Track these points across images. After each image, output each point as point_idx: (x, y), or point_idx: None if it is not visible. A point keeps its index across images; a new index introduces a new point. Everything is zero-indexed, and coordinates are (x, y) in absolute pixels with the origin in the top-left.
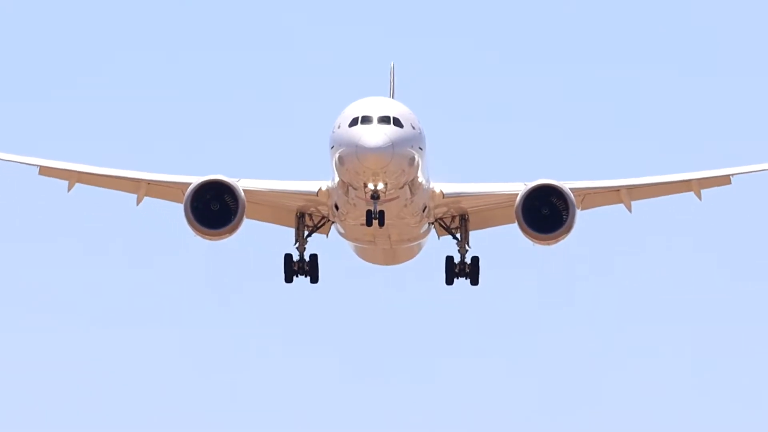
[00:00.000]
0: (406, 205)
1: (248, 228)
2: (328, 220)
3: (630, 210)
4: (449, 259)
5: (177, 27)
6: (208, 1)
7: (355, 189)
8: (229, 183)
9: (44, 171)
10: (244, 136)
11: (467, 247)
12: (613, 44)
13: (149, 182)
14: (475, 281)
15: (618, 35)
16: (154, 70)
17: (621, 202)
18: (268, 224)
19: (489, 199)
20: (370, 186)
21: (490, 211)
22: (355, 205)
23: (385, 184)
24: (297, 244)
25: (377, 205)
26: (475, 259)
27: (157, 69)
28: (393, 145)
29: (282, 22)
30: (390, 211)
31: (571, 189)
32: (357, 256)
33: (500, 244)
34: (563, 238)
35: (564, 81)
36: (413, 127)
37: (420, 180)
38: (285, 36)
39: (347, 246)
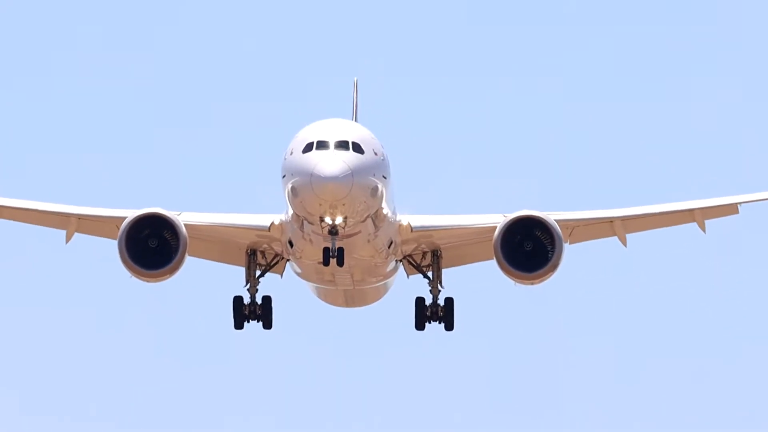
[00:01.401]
0: (369, 241)
1: (192, 267)
2: (282, 258)
3: (625, 244)
4: (420, 301)
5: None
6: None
7: (311, 224)
8: (168, 217)
9: None
10: (186, 166)
11: (440, 288)
12: (603, 53)
13: (80, 217)
14: (449, 326)
15: (608, 40)
16: (85, 90)
17: (614, 234)
18: (214, 263)
19: (464, 232)
20: (328, 220)
21: (465, 247)
22: (311, 241)
23: (345, 218)
24: (248, 286)
25: (336, 242)
26: (449, 301)
27: (87, 89)
28: (352, 174)
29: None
30: (351, 248)
31: (557, 221)
32: (316, 297)
33: (477, 284)
34: (548, 277)
35: (547, 99)
36: (375, 153)
37: (384, 212)
38: (230, 47)
39: (305, 286)
